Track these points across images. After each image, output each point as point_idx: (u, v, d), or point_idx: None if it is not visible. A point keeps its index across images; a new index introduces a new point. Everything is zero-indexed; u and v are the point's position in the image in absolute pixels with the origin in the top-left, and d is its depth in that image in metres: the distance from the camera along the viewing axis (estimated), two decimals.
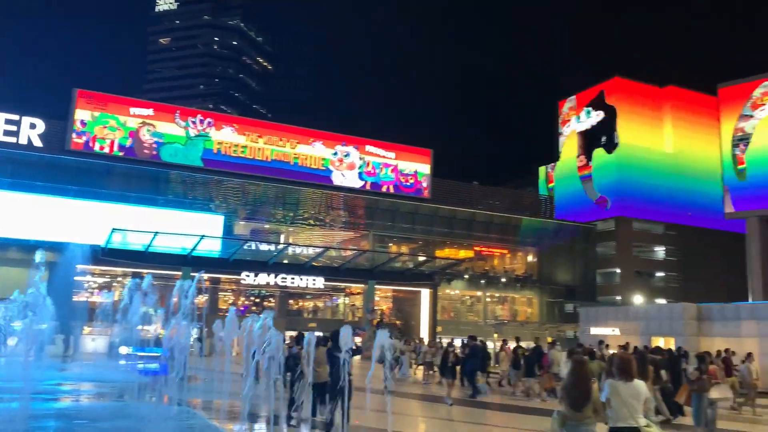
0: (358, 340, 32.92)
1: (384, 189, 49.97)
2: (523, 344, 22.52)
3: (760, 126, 45.20)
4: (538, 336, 27.54)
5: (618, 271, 57.58)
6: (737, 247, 48.32)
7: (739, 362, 19.64)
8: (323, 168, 48.35)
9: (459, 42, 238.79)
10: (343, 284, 44.76)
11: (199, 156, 45.02)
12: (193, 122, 45.35)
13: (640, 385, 6.70)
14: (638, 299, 52.11)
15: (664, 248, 59.71)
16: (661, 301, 52.86)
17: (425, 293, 43.92)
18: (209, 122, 45.79)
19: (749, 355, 18.42)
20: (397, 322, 46.56)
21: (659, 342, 29.04)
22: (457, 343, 28.27)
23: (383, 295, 48.54)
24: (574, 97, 65.75)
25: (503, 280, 52.55)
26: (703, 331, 28.38)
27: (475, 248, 53.85)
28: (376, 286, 42.24)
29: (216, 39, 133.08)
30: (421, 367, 26.14)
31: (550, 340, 42.31)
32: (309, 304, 48.58)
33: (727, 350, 21.05)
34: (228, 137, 45.88)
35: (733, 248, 51.84)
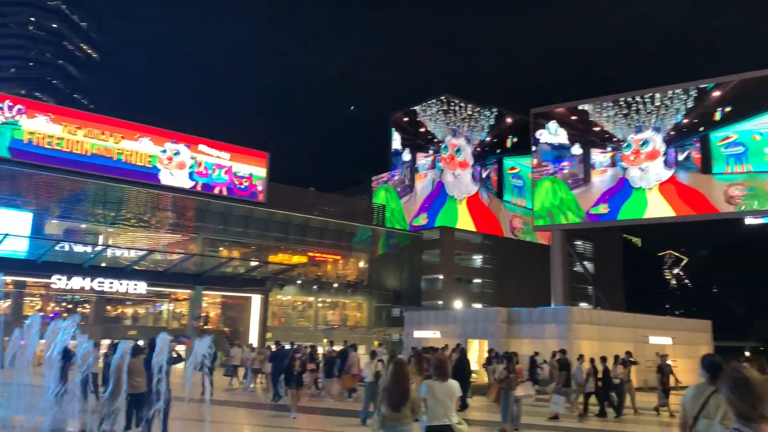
0: (181, 348, 31.38)
1: (216, 191, 48.25)
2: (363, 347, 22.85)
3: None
4: (346, 340, 28.14)
5: (441, 277, 60.64)
6: (544, 257, 53.09)
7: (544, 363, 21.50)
8: (150, 166, 45.56)
9: (301, 48, 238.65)
10: (167, 290, 42.43)
11: (5, 145, 40.28)
12: (0, 108, 40.50)
13: (453, 384, 7.03)
14: (458, 304, 55.10)
15: (481, 257, 64.05)
16: (478, 305, 56.35)
17: (256, 299, 43.04)
18: (19, 109, 41.16)
19: (581, 356, 19.79)
20: (225, 328, 45.12)
21: (474, 343, 31.04)
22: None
23: (211, 302, 46.80)
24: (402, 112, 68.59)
25: (335, 285, 53.16)
26: (512, 334, 30.71)
27: (309, 254, 53.80)
28: (204, 292, 40.63)
29: (32, 19, 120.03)
30: (261, 376, 24.80)
31: (377, 343, 43.59)
32: (129, 311, 45.46)
33: (563, 350, 22.76)
34: (41, 127, 41.57)
35: (540, 258, 56.98)
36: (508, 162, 68.38)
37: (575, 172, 42.41)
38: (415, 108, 67.27)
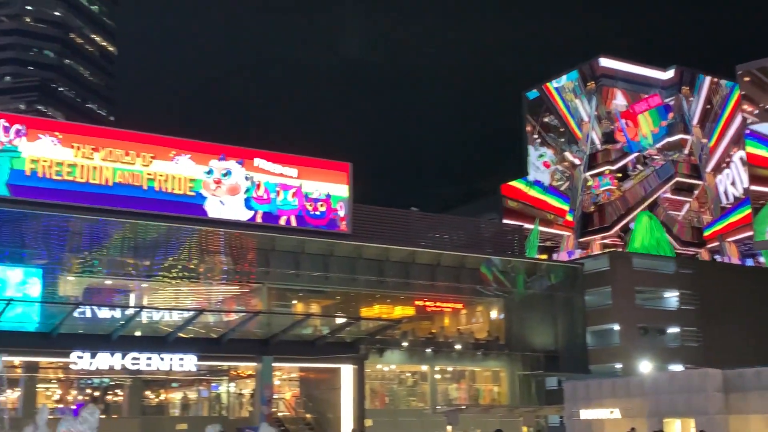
0: None
1: (282, 221, 49.75)
2: None
3: None
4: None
5: (616, 327, 59.10)
6: None
7: None
8: (192, 193, 47.70)
9: (388, 27, 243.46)
10: (226, 363, 43.98)
11: (3, 180, 43.57)
12: None
13: None
14: (645, 366, 53.51)
15: (677, 293, 61.88)
16: (677, 367, 54.50)
17: (347, 371, 43.64)
18: (19, 130, 44.45)
19: None
20: (308, 415, 45.94)
21: (675, 425, 29.97)
22: None
23: (286, 377, 47.96)
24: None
25: (458, 347, 53.02)
26: (732, 407, 29.40)
27: (417, 303, 54.14)
28: (274, 364, 41.65)
29: (29, 8, 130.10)
30: None
31: (525, 430, 42.99)
32: (176, 396, 47.44)
33: None
34: (48, 151, 44.64)
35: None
36: None
37: None
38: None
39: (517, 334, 55.42)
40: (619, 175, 76.78)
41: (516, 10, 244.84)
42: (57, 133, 45.67)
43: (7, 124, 44.32)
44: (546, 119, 79.22)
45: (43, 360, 39.96)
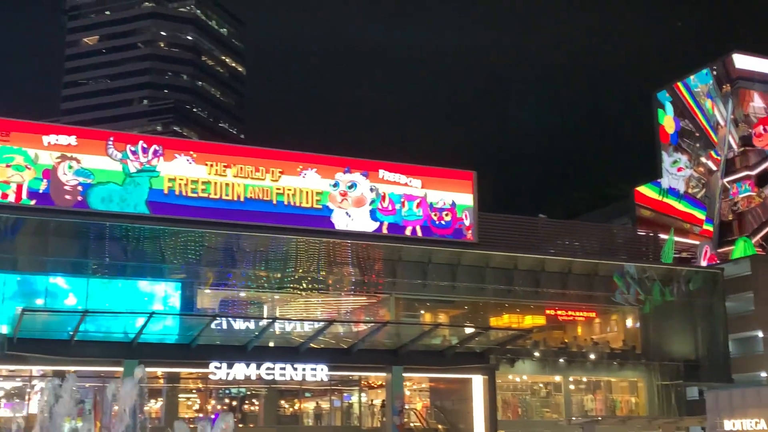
0: None
1: (408, 232, 50.23)
2: None
3: None
4: None
5: (760, 335, 57.02)
6: None
7: None
8: (320, 206, 48.82)
9: (509, 28, 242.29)
10: (356, 373, 44.75)
11: (143, 199, 45.79)
12: (134, 152, 46.24)
13: None
14: None
15: None
16: None
17: (478, 381, 43.66)
18: (156, 151, 46.69)
19: None
20: (439, 426, 46.13)
21: None
22: None
23: (416, 387, 48.32)
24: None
25: (592, 356, 52.32)
26: None
27: (548, 312, 53.80)
28: (404, 374, 42.09)
29: (163, 34, 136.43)
30: None
31: None
32: (309, 406, 48.52)
33: None
34: (183, 170, 46.68)
35: None
36: None
37: None
38: None
39: (654, 343, 54.34)
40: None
41: (642, 8, 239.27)
42: (191, 152, 47.76)
43: (145, 146, 46.69)
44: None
45: (183, 371, 41.73)
